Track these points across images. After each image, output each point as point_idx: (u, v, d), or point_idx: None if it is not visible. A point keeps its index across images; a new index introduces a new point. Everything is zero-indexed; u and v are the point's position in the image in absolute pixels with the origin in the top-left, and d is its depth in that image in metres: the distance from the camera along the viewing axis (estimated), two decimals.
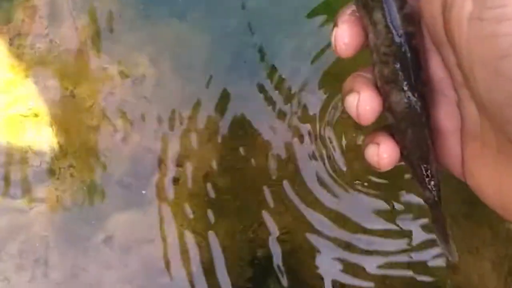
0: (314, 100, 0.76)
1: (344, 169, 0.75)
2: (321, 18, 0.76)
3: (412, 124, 0.40)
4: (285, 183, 0.73)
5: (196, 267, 0.72)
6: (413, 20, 0.38)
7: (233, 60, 0.74)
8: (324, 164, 0.76)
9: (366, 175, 0.72)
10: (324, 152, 0.76)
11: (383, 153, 0.41)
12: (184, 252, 0.72)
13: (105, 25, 0.73)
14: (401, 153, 0.42)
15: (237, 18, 0.74)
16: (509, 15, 0.29)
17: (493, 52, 0.30)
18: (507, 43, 0.29)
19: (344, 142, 0.75)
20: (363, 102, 0.39)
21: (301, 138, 0.75)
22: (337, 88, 0.72)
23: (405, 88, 0.39)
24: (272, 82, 0.74)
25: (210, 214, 0.73)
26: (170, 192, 0.72)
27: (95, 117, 0.72)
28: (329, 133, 0.76)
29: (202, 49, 0.74)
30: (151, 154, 0.72)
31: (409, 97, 0.39)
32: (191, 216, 0.72)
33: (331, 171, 0.75)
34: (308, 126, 0.75)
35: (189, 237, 0.72)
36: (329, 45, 0.70)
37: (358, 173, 0.71)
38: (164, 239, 0.71)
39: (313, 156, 0.75)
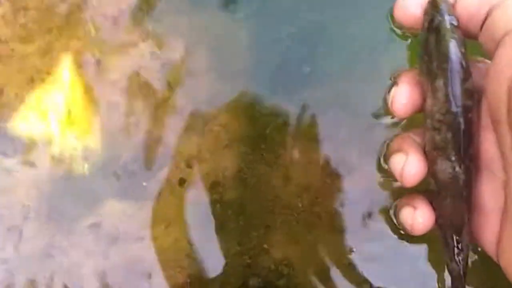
0: None
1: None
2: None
3: (453, 195, 0.41)
4: (300, 213, 0.66)
5: (180, 279, 0.65)
6: (472, 95, 0.40)
7: (276, 69, 0.68)
8: None
9: None
10: None
11: (418, 217, 0.42)
12: (172, 260, 0.65)
13: None
14: (436, 221, 0.43)
15: (291, 26, 0.68)
16: None
17: None
18: None
19: None
20: (409, 164, 0.41)
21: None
22: None
23: (453, 158, 0.40)
24: (312, 103, 0.68)
25: (209, 226, 0.66)
26: (173, 192, 0.66)
27: (115, 92, 0.66)
28: None
29: (245, 50, 0.68)
30: (163, 147, 0.66)
31: (454, 167, 0.40)
32: (189, 223, 0.66)
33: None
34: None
35: (181, 245, 0.65)
36: None
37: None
38: (154, 240, 0.65)
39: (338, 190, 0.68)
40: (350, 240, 0.66)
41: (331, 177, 0.68)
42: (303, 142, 0.67)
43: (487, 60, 0.40)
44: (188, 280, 0.64)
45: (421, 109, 0.43)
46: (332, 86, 0.67)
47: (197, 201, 0.66)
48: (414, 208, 0.42)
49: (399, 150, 0.42)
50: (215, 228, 0.66)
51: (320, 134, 0.68)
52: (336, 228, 0.67)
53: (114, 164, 0.66)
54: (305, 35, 0.68)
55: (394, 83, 0.42)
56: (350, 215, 0.67)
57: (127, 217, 0.65)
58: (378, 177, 0.67)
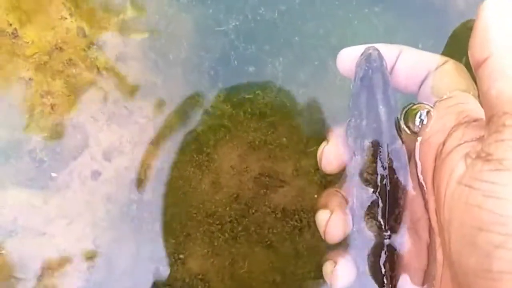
0: None
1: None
2: None
3: (374, 252, 0.41)
4: (226, 223, 0.61)
5: (81, 282, 0.58)
6: (399, 157, 0.40)
7: (217, 63, 0.62)
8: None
9: None
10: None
11: (338, 272, 0.43)
12: (69, 262, 0.58)
13: None
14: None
15: (239, 19, 0.62)
16: (498, 193, 0.30)
17: (473, 221, 0.31)
18: (489, 218, 0.30)
19: None
20: (333, 222, 0.42)
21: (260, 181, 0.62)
22: None
23: (378, 217, 0.40)
24: (253, 106, 0.62)
25: (122, 227, 0.60)
26: (84, 186, 0.59)
27: (31, 69, 0.58)
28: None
29: (185, 38, 0.62)
30: (80, 134, 0.59)
31: (379, 227, 0.41)
32: (100, 223, 0.59)
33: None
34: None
35: (85, 246, 0.59)
36: None
37: None
38: (55, 237, 0.58)
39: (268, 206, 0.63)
40: (278, 256, 0.61)
41: (264, 188, 0.62)
42: (240, 148, 0.61)
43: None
44: None
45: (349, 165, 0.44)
46: (274, 89, 0.61)
47: (110, 198, 0.60)
48: (335, 263, 0.43)
49: (325, 207, 0.43)
50: (127, 230, 0.60)
51: (258, 141, 0.62)
52: (264, 242, 0.62)
53: (20, 149, 0.59)
54: (253, 31, 0.62)
55: (325, 140, 0.44)
56: (280, 229, 0.61)
57: (29, 208, 0.58)
58: (310, 193, 0.61)
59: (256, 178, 0.62)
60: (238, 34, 0.62)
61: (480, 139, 0.34)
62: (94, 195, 0.59)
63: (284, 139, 0.63)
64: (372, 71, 0.40)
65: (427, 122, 0.39)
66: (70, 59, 0.59)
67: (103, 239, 0.59)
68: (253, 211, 0.62)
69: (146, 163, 0.61)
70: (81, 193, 0.59)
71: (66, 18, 0.60)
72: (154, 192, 0.60)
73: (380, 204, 0.40)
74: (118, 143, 0.60)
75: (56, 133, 0.59)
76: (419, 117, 0.40)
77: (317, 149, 0.49)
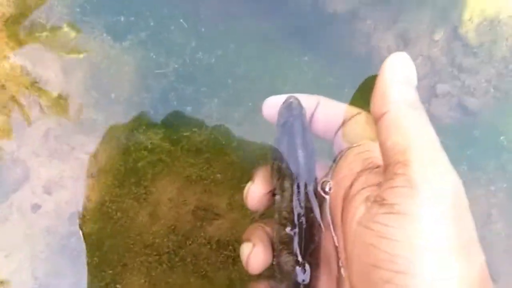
0: None
1: None
2: None
3: (293, 285, 0.44)
4: (164, 254, 0.64)
5: None
6: (315, 197, 0.43)
7: (156, 102, 0.65)
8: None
9: None
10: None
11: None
12: None
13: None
14: None
15: (178, 62, 0.66)
16: (390, 235, 0.33)
17: (369, 259, 0.35)
18: (381, 257, 0.33)
19: None
20: (254, 255, 0.44)
21: (199, 213, 0.66)
22: None
23: (295, 253, 0.43)
24: (190, 143, 0.65)
25: (59, 259, 0.62)
26: (24, 218, 0.61)
27: None
28: None
29: (126, 78, 0.65)
30: (21, 169, 0.61)
31: (296, 261, 0.43)
32: (39, 255, 0.61)
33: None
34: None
35: (23, 278, 0.60)
36: None
37: None
38: None
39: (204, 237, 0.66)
40: (212, 286, 0.64)
41: (201, 221, 0.66)
42: (177, 182, 0.64)
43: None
44: None
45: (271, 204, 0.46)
46: (210, 127, 0.65)
47: (50, 231, 0.62)
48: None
49: (248, 240, 0.46)
50: (66, 261, 0.62)
51: (195, 176, 0.65)
52: (199, 272, 0.65)
53: None
54: (191, 73, 0.66)
55: (250, 180, 0.47)
56: (214, 259, 0.65)
57: None
58: (243, 225, 0.65)
59: (193, 211, 0.65)
60: (177, 76, 0.65)
61: (379, 184, 0.37)
62: (34, 228, 0.61)
63: (219, 175, 0.66)
64: (293, 118, 0.44)
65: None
66: (13, 96, 0.62)
67: (41, 271, 0.61)
68: (190, 242, 0.65)
69: (86, 197, 0.63)
70: (20, 226, 0.61)
71: (9, 57, 0.62)
72: (93, 225, 0.63)
73: (297, 240, 0.43)
74: (59, 178, 0.63)
75: None
76: (328, 186, 0.44)
77: None
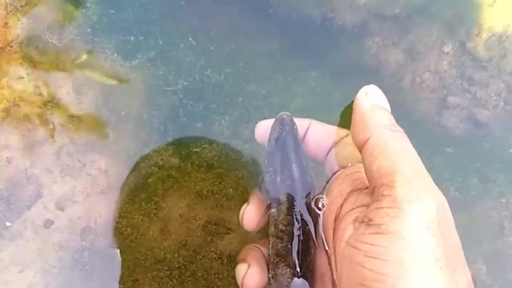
0: None
1: None
2: None
3: None
4: (175, 269, 0.64)
5: None
6: (310, 210, 0.44)
7: (166, 120, 0.66)
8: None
9: None
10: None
11: None
12: None
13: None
14: None
15: (188, 80, 0.67)
16: (375, 254, 0.34)
17: (357, 277, 0.35)
18: (369, 276, 0.34)
19: None
20: (250, 275, 0.45)
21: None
22: None
23: (293, 265, 0.43)
24: (200, 159, 0.66)
25: (71, 274, 0.63)
26: (37, 234, 0.62)
27: None
28: None
29: (136, 96, 0.66)
30: (34, 185, 0.63)
31: (293, 273, 0.43)
32: (52, 270, 0.62)
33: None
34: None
35: None
36: None
37: None
38: (8, 284, 0.60)
39: (214, 252, 0.66)
40: None
41: (211, 236, 0.66)
42: (188, 197, 0.65)
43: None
44: None
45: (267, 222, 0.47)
46: (221, 143, 0.66)
47: (63, 246, 0.63)
48: None
49: (243, 261, 0.46)
50: (78, 276, 0.63)
51: (206, 190, 0.66)
52: (210, 287, 0.65)
53: None
54: (201, 90, 0.67)
55: (247, 202, 0.48)
56: (226, 275, 0.65)
57: None
58: (254, 240, 0.65)
59: (204, 226, 0.66)
60: (186, 93, 0.67)
61: (367, 205, 0.38)
62: (47, 243, 0.63)
63: (230, 189, 0.67)
64: (285, 133, 0.45)
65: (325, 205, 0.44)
66: (26, 115, 0.63)
67: (54, 286, 0.62)
68: (201, 257, 0.66)
69: (98, 212, 0.64)
70: (33, 241, 0.62)
71: (23, 77, 0.64)
72: (105, 240, 0.64)
73: (295, 253, 0.43)
74: (71, 194, 0.64)
75: (11, 185, 0.62)
76: (321, 202, 0.44)
77: None
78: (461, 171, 0.68)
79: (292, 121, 0.45)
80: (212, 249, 0.66)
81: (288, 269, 0.44)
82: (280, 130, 0.45)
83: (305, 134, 0.48)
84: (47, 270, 0.62)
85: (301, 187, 0.44)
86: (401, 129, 0.40)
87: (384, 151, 0.38)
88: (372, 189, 0.38)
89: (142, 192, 0.65)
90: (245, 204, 0.48)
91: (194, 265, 0.66)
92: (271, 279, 0.45)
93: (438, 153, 0.68)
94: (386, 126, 0.39)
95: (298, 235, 0.43)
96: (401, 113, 0.68)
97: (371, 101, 0.41)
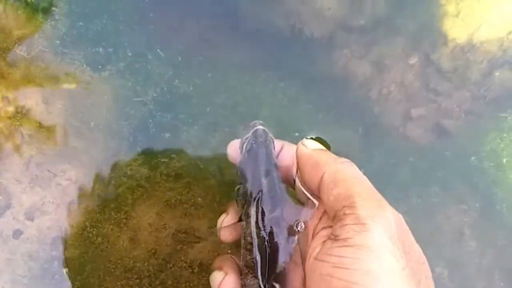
0: None
1: None
2: None
3: None
4: (144, 278, 0.65)
5: None
6: (279, 223, 0.44)
7: (136, 130, 0.67)
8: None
9: None
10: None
11: None
12: None
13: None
14: None
15: (157, 91, 0.68)
16: (343, 264, 0.37)
17: (326, 287, 0.37)
18: (338, 285, 0.36)
19: None
20: (226, 283, 0.46)
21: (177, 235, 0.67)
22: None
23: (259, 277, 0.44)
24: (169, 168, 0.67)
25: (43, 284, 0.63)
26: (6, 245, 0.62)
27: None
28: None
29: (106, 106, 0.67)
30: (3, 196, 0.63)
31: (260, 285, 0.44)
32: (21, 280, 0.62)
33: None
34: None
35: None
36: None
37: None
38: None
39: (184, 261, 0.67)
40: None
41: (181, 244, 0.67)
42: (157, 206, 0.66)
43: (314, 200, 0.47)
44: None
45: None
46: (189, 153, 0.67)
47: (32, 256, 0.63)
48: None
49: (220, 268, 0.48)
50: (48, 286, 0.63)
51: (174, 200, 0.67)
52: None
53: None
54: (169, 101, 0.68)
55: (225, 212, 0.49)
56: (197, 283, 0.66)
57: None
58: (225, 247, 0.66)
59: (173, 234, 0.66)
60: (155, 104, 0.68)
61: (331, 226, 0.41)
62: (15, 253, 0.63)
63: (199, 198, 0.68)
64: (257, 145, 0.45)
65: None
66: None
67: None
68: (171, 265, 0.66)
69: (68, 222, 0.65)
70: (2, 252, 0.62)
71: None
72: (75, 250, 0.64)
73: (259, 265, 0.44)
74: (40, 204, 0.64)
75: None
76: (300, 226, 0.45)
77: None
78: (424, 180, 0.70)
79: (265, 132, 0.46)
80: (182, 258, 0.67)
81: (256, 281, 0.44)
82: (252, 142, 0.45)
83: (277, 155, 0.49)
84: (16, 280, 0.62)
85: (270, 200, 0.44)
86: (347, 160, 0.44)
87: (338, 181, 0.41)
88: (334, 214, 0.41)
89: (112, 202, 0.66)
90: (223, 215, 0.49)
91: (164, 274, 0.66)
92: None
93: (402, 163, 0.70)
94: (333, 160, 0.43)
95: (264, 248, 0.44)
96: (368, 123, 0.70)
97: (311, 147, 0.45)
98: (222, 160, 0.68)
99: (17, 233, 0.63)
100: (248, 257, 0.45)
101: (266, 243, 0.44)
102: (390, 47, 0.72)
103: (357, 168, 0.43)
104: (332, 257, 0.38)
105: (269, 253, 0.44)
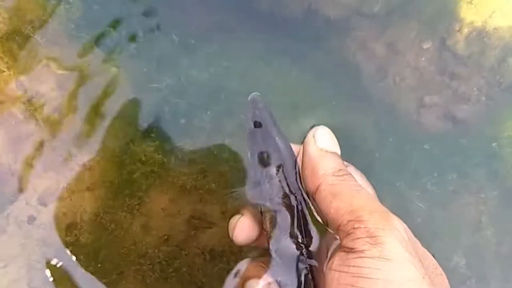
0: None
1: None
2: None
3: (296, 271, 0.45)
4: (157, 264, 0.65)
5: None
6: (299, 177, 0.45)
7: (151, 116, 0.67)
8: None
9: None
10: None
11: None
12: None
13: None
14: None
15: (171, 78, 0.67)
16: (363, 274, 0.37)
17: None
18: None
19: None
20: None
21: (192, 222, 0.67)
22: None
23: (295, 235, 0.44)
24: (183, 153, 0.67)
25: (55, 269, 0.63)
26: (20, 230, 0.62)
27: None
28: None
29: (121, 92, 0.66)
30: (17, 181, 0.63)
31: (297, 242, 0.44)
32: (36, 265, 0.62)
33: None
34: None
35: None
36: None
37: None
38: None
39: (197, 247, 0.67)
40: None
41: (195, 230, 0.67)
42: (171, 192, 0.66)
43: None
44: None
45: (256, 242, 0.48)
46: (203, 139, 0.66)
47: (46, 242, 0.63)
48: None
49: (238, 213, 0.48)
50: (62, 271, 0.63)
51: (189, 186, 0.67)
52: (195, 283, 0.66)
53: None
54: (184, 87, 0.67)
55: (240, 213, 0.49)
56: (212, 270, 0.66)
57: None
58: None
59: (187, 220, 0.66)
60: (170, 90, 0.67)
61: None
62: (30, 239, 0.63)
63: (213, 184, 0.68)
64: (259, 111, 0.47)
65: None
66: (10, 111, 0.63)
67: (38, 281, 0.62)
68: (186, 252, 0.66)
69: (82, 208, 0.65)
70: (17, 237, 0.62)
71: (3, 71, 0.64)
72: (89, 235, 0.64)
73: (296, 222, 0.44)
74: (54, 189, 0.64)
75: None
76: None
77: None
78: (440, 167, 0.69)
79: (263, 100, 0.47)
80: (195, 243, 0.67)
81: (292, 240, 0.44)
82: (253, 109, 0.47)
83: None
84: (31, 265, 0.63)
85: (289, 157, 0.45)
86: (347, 172, 0.44)
87: (336, 194, 0.42)
88: (337, 227, 0.41)
89: (126, 188, 0.66)
90: (237, 215, 0.49)
91: (178, 261, 0.66)
92: (274, 254, 0.46)
93: (417, 150, 0.69)
94: (333, 172, 0.43)
95: (296, 204, 0.44)
96: (382, 110, 0.69)
97: (319, 145, 0.45)
98: (236, 146, 0.67)
99: (31, 219, 0.63)
100: (279, 218, 0.44)
101: (295, 200, 0.44)
102: (404, 32, 0.71)
103: (355, 181, 0.43)
104: (351, 268, 0.38)
105: (300, 210, 0.44)
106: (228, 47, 0.68)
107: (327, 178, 0.43)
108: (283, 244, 0.45)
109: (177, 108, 0.66)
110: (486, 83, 0.71)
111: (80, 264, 0.64)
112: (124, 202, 0.65)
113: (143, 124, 0.66)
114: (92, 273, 0.64)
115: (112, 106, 0.66)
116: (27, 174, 0.63)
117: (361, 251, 0.38)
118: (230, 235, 0.48)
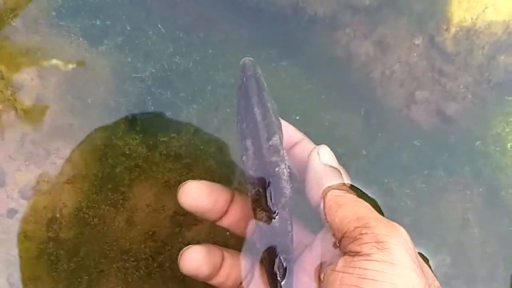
0: None
1: None
2: None
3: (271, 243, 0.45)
4: (141, 260, 0.63)
5: None
6: (278, 151, 0.44)
7: (133, 107, 0.65)
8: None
9: None
10: None
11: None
12: None
13: None
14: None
15: (155, 67, 0.66)
16: (369, 276, 0.38)
17: None
18: None
19: None
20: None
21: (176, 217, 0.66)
22: None
23: (267, 208, 0.44)
24: (168, 148, 0.65)
25: (36, 264, 0.61)
26: (1, 224, 0.60)
27: None
28: None
29: (102, 83, 0.65)
30: None
31: (268, 216, 0.44)
32: (11, 259, 0.61)
33: None
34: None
35: (1, 284, 0.60)
36: None
37: None
38: None
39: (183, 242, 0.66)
40: None
41: (180, 226, 0.65)
42: (155, 187, 0.64)
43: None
44: None
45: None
46: (189, 133, 0.65)
47: (27, 236, 0.61)
48: None
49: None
50: (42, 267, 0.61)
51: (174, 181, 0.65)
52: (178, 277, 0.65)
53: None
54: (169, 78, 0.66)
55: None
56: None
57: None
58: (222, 230, 0.65)
59: (172, 216, 0.65)
60: (154, 81, 0.65)
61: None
62: (10, 233, 0.61)
63: (199, 179, 0.66)
64: (246, 78, 0.45)
65: None
66: None
67: (17, 277, 0.61)
68: (169, 248, 0.65)
69: (63, 202, 0.63)
70: None
71: None
72: (70, 230, 0.63)
73: (267, 194, 0.44)
74: (35, 182, 0.62)
75: None
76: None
77: None
78: (429, 164, 0.69)
79: (253, 64, 0.46)
80: (180, 239, 0.65)
81: (264, 213, 0.44)
82: (241, 76, 0.46)
83: (293, 146, 0.50)
84: (9, 260, 0.61)
85: (265, 128, 0.44)
86: (348, 188, 0.46)
87: (341, 205, 0.43)
88: (342, 235, 0.42)
89: (109, 182, 0.64)
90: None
91: (162, 256, 0.65)
92: (256, 226, 0.46)
93: (406, 146, 0.69)
94: (337, 186, 0.45)
95: (267, 176, 0.44)
96: (371, 105, 0.69)
97: (323, 160, 0.46)
98: (222, 141, 0.66)
99: (11, 212, 0.61)
100: (253, 190, 0.45)
101: (267, 172, 0.44)
102: (394, 28, 0.70)
103: (355, 196, 0.45)
104: (356, 269, 0.39)
105: (271, 182, 0.44)
106: (214, 36, 0.67)
107: (332, 190, 0.45)
108: (258, 216, 0.45)
109: (161, 99, 0.65)
110: (474, 81, 0.71)
111: (62, 259, 0.62)
112: (107, 196, 0.64)
113: (127, 116, 0.64)
114: (72, 270, 0.62)
115: (95, 97, 0.64)
116: (7, 166, 0.61)
117: (368, 255, 0.39)
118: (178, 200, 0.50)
